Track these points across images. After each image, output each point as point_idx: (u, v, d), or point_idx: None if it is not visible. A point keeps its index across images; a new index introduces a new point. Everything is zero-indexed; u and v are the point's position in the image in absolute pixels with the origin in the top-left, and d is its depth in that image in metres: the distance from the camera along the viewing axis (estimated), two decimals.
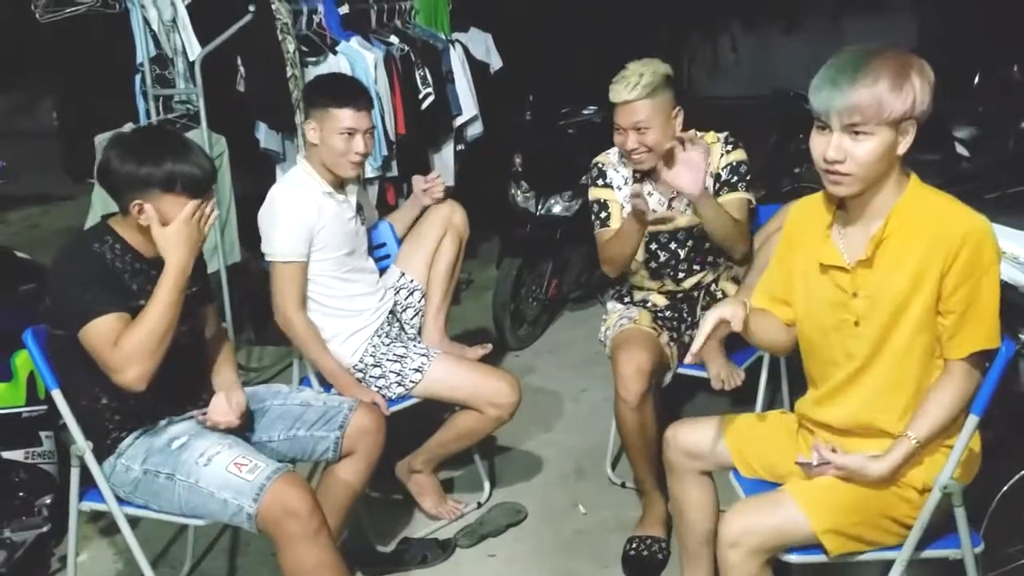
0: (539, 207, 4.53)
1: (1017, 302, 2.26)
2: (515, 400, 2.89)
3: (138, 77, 4.04)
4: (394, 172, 4.37)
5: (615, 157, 3.01)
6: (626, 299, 3.12)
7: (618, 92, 2.77)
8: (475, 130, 4.98)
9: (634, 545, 2.84)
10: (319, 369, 2.89)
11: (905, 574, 2.03)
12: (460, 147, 4.93)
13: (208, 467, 2.22)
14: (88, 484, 2.36)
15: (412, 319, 3.13)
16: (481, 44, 5.32)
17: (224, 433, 2.32)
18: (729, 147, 2.91)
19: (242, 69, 4.10)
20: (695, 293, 3.07)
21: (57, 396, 2.26)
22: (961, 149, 4.91)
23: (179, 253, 2.22)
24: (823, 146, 1.89)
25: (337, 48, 4.16)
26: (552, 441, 3.59)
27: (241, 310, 4.23)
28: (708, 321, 1.99)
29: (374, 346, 2.94)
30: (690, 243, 3.00)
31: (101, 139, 3.85)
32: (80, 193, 5.32)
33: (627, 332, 2.88)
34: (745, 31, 10.68)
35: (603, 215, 2.98)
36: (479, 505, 3.15)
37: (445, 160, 4.83)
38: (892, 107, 1.82)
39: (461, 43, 5.00)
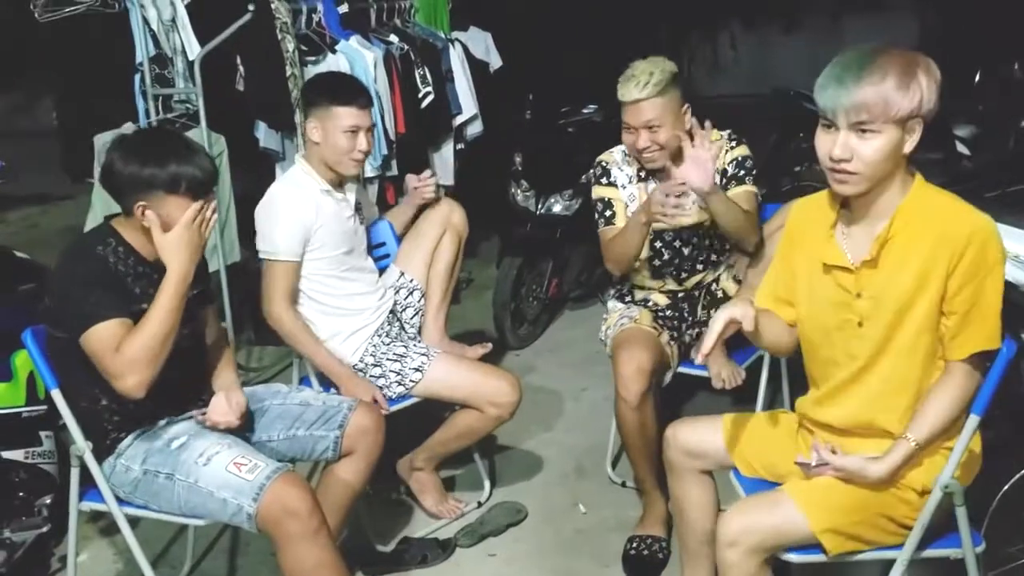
0: (539, 206, 4.53)
1: (1019, 302, 2.25)
2: (515, 399, 2.89)
3: (137, 77, 4.04)
4: (394, 171, 4.36)
5: (619, 156, 3.01)
6: (627, 298, 3.12)
7: (629, 91, 2.75)
8: (475, 129, 4.98)
9: (634, 544, 2.84)
10: (313, 363, 2.89)
11: (906, 574, 2.02)
12: (460, 146, 4.93)
13: (208, 467, 2.22)
14: (88, 484, 2.36)
15: (412, 318, 3.13)
16: (481, 43, 5.32)
17: (223, 433, 2.32)
18: (733, 143, 2.92)
19: (241, 68, 4.10)
20: (696, 292, 3.07)
21: (56, 396, 2.26)
22: (962, 148, 4.91)
23: (180, 260, 2.22)
24: (829, 144, 1.88)
25: (336, 47, 4.17)
26: (552, 440, 3.59)
27: (241, 310, 4.23)
28: (718, 321, 1.97)
29: (374, 345, 2.94)
30: (694, 241, 2.99)
31: (100, 139, 3.85)
32: (79, 193, 5.33)
33: (628, 331, 2.88)
34: (745, 30, 10.68)
35: (608, 213, 2.97)
36: (479, 504, 3.15)
37: (445, 159, 4.83)
38: (899, 105, 1.81)
39: (461, 42, 4.99)
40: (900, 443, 1.94)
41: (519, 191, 4.61)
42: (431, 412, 3.08)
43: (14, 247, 3.46)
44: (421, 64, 4.56)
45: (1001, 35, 6.23)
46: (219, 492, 2.20)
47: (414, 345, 2.96)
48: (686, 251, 3.01)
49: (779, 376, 3.22)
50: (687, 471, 2.28)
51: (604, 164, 3.02)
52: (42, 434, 2.85)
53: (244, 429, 2.40)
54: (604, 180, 3.00)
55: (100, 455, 2.30)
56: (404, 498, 3.16)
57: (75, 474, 2.35)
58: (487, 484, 3.21)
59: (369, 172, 4.18)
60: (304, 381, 3.00)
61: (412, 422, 2.97)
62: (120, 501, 2.33)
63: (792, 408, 2.27)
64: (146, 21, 3.96)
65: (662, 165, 2.83)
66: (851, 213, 1.99)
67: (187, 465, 2.24)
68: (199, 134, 3.87)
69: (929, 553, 2.04)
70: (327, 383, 2.94)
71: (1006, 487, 2.22)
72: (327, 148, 2.83)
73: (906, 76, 1.81)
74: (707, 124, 2.80)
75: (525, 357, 4.40)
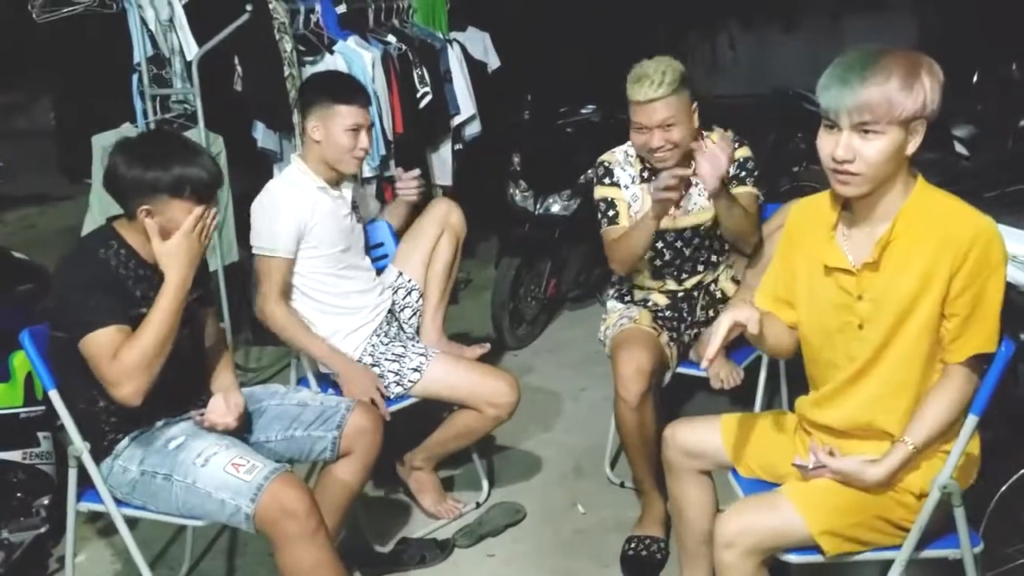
0: (537, 206, 4.52)
1: (1017, 302, 2.25)
2: (514, 400, 2.89)
3: (135, 77, 4.04)
4: (392, 172, 4.36)
5: (621, 156, 3.00)
6: (626, 298, 3.12)
7: (643, 91, 2.73)
8: (473, 129, 4.97)
9: (633, 545, 2.84)
10: (311, 355, 2.89)
11: (904, 574, 2.02)
12: (458, 146, 4.93)
13: (205, 467, 2.22)
14: (86, 485, 2.35)
15: (410, 319, 3.13)
16: (479, 43, 5.31)
17: (221, 434, 2.32)
18: (736, 144, 2.92)
19: (239, 68, 4.09)
20: (695, 293, 3.07)
21: (54, 397, 2.26)
22: (960, 148, 4.91)
23: (179, 268, 2.22)
24: (831, 145, 1.87)
25: (334, 47, 4.16)
26: (551, 440, 3.59)
27: (239, 310, 4.23)
28: (723, 325, 1.95)
29: (372, 345, 2.94)
30: (696, 241, 2.99)
31: (99, 139, 3.85)
32: (77, 193, 5.32)
33: (627, 332, 2.88)
34: (744, 30, 10.66)
35: (611, 213, 2.96)
36: (478, 505, 3.15)
37: (443, 159, 4.83)
38: (903, 106, 1.80)
39: (459, 42, 4.99)
40: (898, 446, 1.94)
41: (517, 191, 4.61)
42: (429, 412, 3.08)
43: (12, 248, 3.45)
44: (419, 64, 4.56)
45: (1000, 35, 6.23)
46: (217, 493, 2.19)
47: (412, 345, 2.96)
48: (687, 251, 3.01)
49: (777, 376, 3.22)
50: (685, 471, 2.28)
51: (606, 164, 3.01)
52: (40, 435, 2.85)
53: (242, 430, 2.40)
54: (607, 180, 2.99)
55: (98, 456, 2.30)
56: (402, 498, 3.16)
57: (73, 475, 2.35)
58: (486, 484, 3.21)
59: (367, 172, 4.18)
60: (302, 381, 2.99)
61: (410, 422, 2.97)
62: (118, 502, 2.33)
63: (791, 408, 2.27)
64: (144, 21, 3.96)
65: (674, 164, 2.82)
66: (852, 215, 1.98)
67: (185, 466, 2.24)
68: (197, 134, 3.86)
69: (927, 554, 2.04)
70: (325, 383, 2.94)
71: (1004, 488, 2.22)
72: (329, 147, 2.83)
73: (910, 77, 1.81)
74: (717, 129, 2.82)
75: (523, 357, 4.40)
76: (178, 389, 2.34)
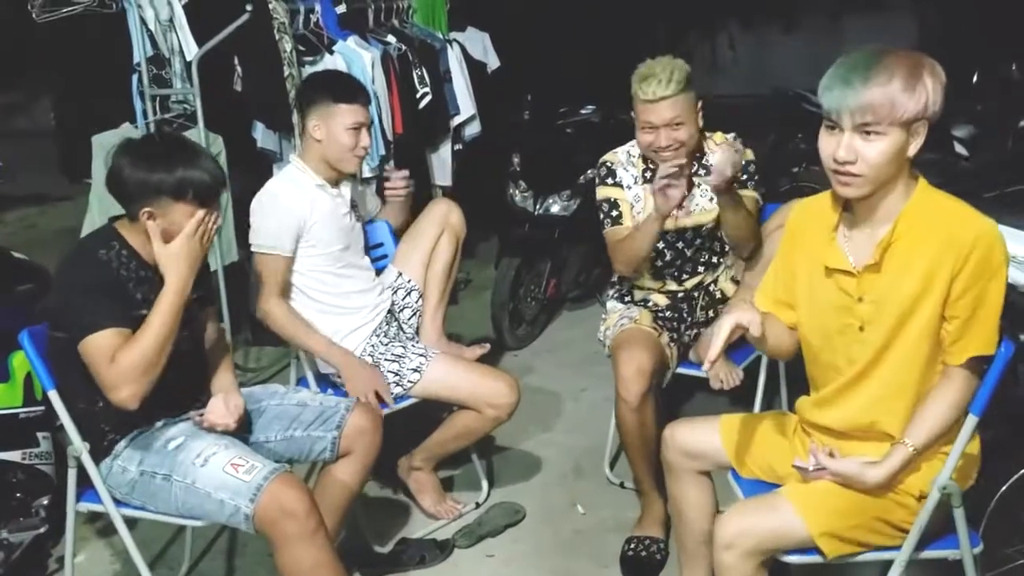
0: (537, 206, 4.52)
1: (1018, 303, 2.25)
2: (513, 400, 2.89)
3: (135, 77, 4.04)
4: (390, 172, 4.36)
5: (623, 156, 3.00)
6: (626, 298, 3.12)
7: (653, 90, 2.72)
8: (473, 130, 4.97)
9: (632, 545, 2.83)
10: (312, 352, 2.88)
11: (904, 574, 2.02)
12: (458, 147, 4.93)
13: (205, 468, 2.22)
14: (85, 485, 2.35)
15: (410, 319, 3.13)
16: (479, 43, 5.31)
17: (221, 434, 2.32)
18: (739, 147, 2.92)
19: (239, 68, 4.09)
20: (695, 293, 3.07)
21: (54, 397, 2.26)
22: (960, 148, 4.91)
23: (179, 271, 2.21)
24: (833, 146, 1.86)
25: (334, 47, 4.16)
26: (551, 441, 3.59)
27: (239, 310, 4.22)
28: (724, 327, 1.94)
29: (372, 345, 2.94)
30: (698, 242, 2.99)
31: (99, 139, 3.85)
32: (77, 193, 5.32)
33: (628, 332, 2.88)
34: (743, 30, 10.66)
35: (614, 213, 2.96)
36: (477, 505, 3.15)
37: (443, 160, 4.83)
38: (905, 107, 1.79)
39: (459, 42, 4.99)
40: (898, 448, 1.93)
41: (517, 191, 4.61)
42: (429, 413, 3.07)
43: (12, 248, 3.45)
44: (419, 64, 4.56)
45: (1000, 35, 6.23)
46: (216, 493, 2.19)
47: (412, 346, 2.96)
48: (688, 252, 3.01)
49: (777, 377, 3.22)
50: (685, 472, 2.28)
51: (609, 164, 3.00)
52: (39, 435, 2.84)
53: (241, 430, 2.40)
54: (610, 180, 2.98)
55: (97, 456, 2.30)
56: (402, 499, 3.16)
57: (72, 475, 2.34)
58: (485, 485, 3.21)
59: (367, 172, 4.18)
60: (301, 382, 2.99)
61: (410, 423, 2.97)
62: (117, 502, 2.33)
63: (790, 409, 2.26)
64: (143, 21, 3.96)
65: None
66: (853, 216, 1.97)
67: (184, 466, 2.23)
68: (197, 134, 3.86)
69: (927, 554, 2.04)
70: (324, 383, 2.94)
71: (1004, 488, 2.22)
72: (330, 146, 2.84)
73: (912, 78, 1.80)
74: (720, 134, 2.86)
75: (523, 358, 4.40)
76: (178, 390, 2.33)
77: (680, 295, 3.06)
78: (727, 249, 3.04)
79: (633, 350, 2.78)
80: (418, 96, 4.54)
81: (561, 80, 6.18)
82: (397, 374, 2.86)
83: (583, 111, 5.21)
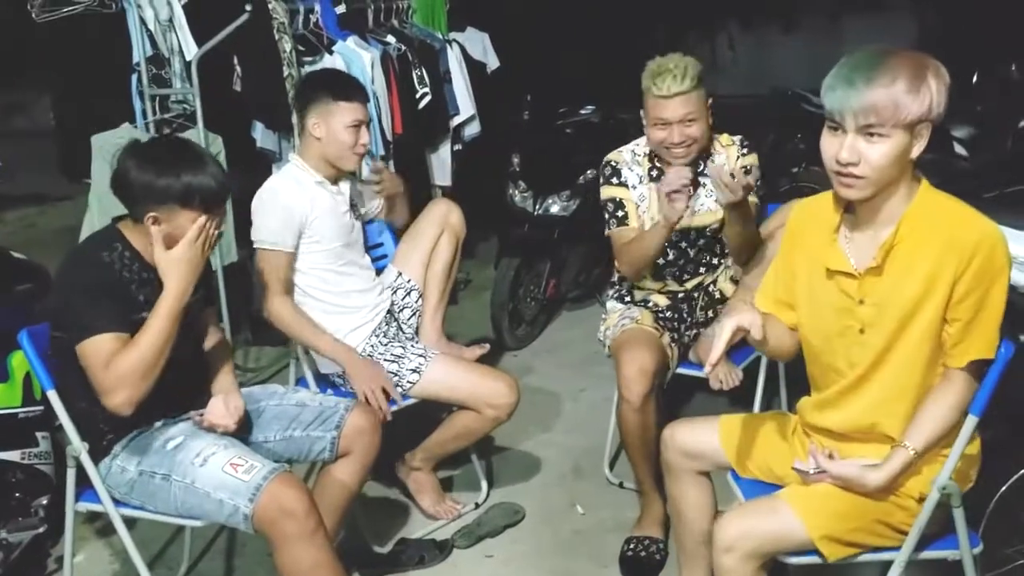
0: (537, 207, 4.52)
1: (1019, 304, 2.24)
2: (513, 401, 2.88)
3: (134, 77, 4.04)
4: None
5: (628, 155, 2.99)
6: (626, 299, 3.11)
7: (667, 85, 2.70)
8: (472, 130, 4.97)
9: (632, 546, 2.83)
10: (316, 350, 2.88)
11: (904, 575, 2.02)
12: (457, 147, 4.93)
13: (204, 467, 2.22)
14: (84, 485, 2.35)
15: (409, 319, 3.12)
16: (478, 44, 5.31)
17: (220, 434, 2.31)
18: (745, 150, 2.93)
19: (238, 69, 4.09)
20: (695, 294, 3.06)
21: (53, 397, 2.26)
22: (959, 148, 4.91)
23: (180, 277, 2.20)
24: (835, 147, 1.85)
25: (333, 48, 4.17)
26: (550, 441, 3.58)
27: (238, 311, 4.23)
28: (726, 329, 1.93)
29: (372, 346, 2.94)
30: (701, 243, 2.99)
31: (98, 139, 3.85)
32: (77, 193, 5.32)
33: (629, 332, 2.87)
34: (743, 30, 10.65)
35: (620, 214, 2.94)
36: (477, 506, 3.15)
37: (442, 160, 4.83)
38: (909, 109, 1.78)
39: (458, 42, 4.99)
40: (898, 451, 1.92)
41: (517, 192, 4.61)
42: (429, 413, 3.07)
43: (11, 247, 3.45)
44: (418, 65, 4.56)
45: (999, 36, 6.23)
46: (215, 493, 2.19)
47: (412, 346, 2.96)
48: (691, 252, 3.01)
49: (776, 377, 3.22)
50: (685, 472, 2.27)
51: (614, 164, 2.98)
52: (38, 435, 2.84)
53: (241, 430, 2.39)
54: (615, 180, 2.97)
55: (96, 456, 2.30)
56: (401, 499, 3.16)
57: (71, 475, 2.34)
58: (485, 485, 3.21)
59: (366, 173, 4.17)
60: (301, 382, 2.99)
61: (410, 423, 2.97)
62: (116, 502, 2.33)
63: (790, 409, 2.26)
64: (143, 21, 3.96)
65: (691, 161, 2.81)
66: (855, 218, 1.96)
67: (183, 466, 2.23)
68: (196, 134, 3.86)
69: (927, 554, 2.04)
70: (324, 384, 2.94)
71: (1004, 488, 2.22)
72: (330, 144, 2.84)
73: (916, 79, 1.79)
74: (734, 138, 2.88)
75: (523, 358, 4.40)
76: (177, 390, 2.33)
77: (680, 295, 3.06)
78: (727, 250, 3.04)
79: (635, 350, 2.78)
80: (418, 96, 4.54)
81: (561, 80, 6.17)
82: (396, 374, 2.86)
83: (583, 111, 5.22)
